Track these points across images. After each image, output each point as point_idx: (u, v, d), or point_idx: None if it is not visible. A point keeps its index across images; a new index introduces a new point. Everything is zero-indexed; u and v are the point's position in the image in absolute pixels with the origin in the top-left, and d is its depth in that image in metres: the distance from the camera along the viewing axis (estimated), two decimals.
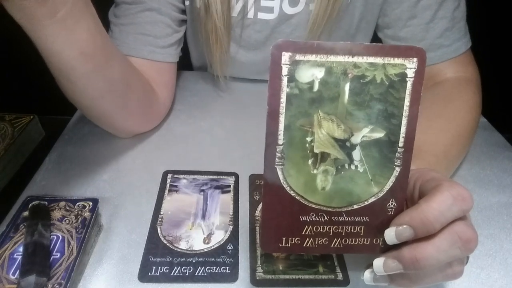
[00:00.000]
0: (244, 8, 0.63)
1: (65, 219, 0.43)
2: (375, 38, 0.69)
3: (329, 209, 0.34)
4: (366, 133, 0.32)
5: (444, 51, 0.60)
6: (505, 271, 0.43)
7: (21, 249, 0.39)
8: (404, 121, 0.32)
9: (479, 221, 0.49)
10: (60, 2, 0.37)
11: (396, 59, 0.31)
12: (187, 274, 0.41)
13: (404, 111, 0.32)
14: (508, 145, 0.62)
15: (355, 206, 0.34)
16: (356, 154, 0.33)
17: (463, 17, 0.61)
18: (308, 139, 0.32)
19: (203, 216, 0.48)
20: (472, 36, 0.63)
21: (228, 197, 0.51)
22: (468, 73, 0.61)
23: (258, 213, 0.48)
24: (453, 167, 0.52)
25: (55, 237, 0.41)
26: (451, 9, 0.59)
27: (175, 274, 0.41)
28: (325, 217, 0.34)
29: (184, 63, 0.75)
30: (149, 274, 0.41)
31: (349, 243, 0.35)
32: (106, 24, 0.54)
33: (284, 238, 0.34)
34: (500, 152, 0.61)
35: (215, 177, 0.53)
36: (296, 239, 0.34)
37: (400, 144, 0.33)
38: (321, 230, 0.34)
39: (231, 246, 0.44)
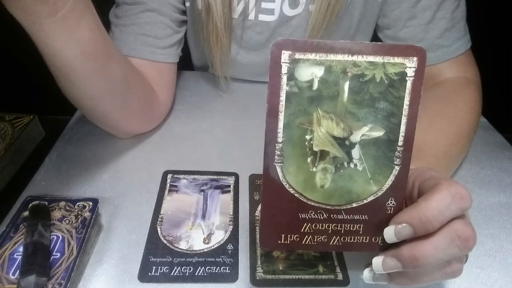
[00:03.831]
0: (245, 10, 0.63)
1: (65, 219, 0.43)
2: (375, 38, 0.69)
3: (328, 207, 0.34)
4: (365, 131, 0.32)
5: (444, 52, 0.60)
6: (505, 271, 0.43)
7: (21, 249, 0.39)
8: (403, 120, 0.32)
9: (479, 221, 0.49)
10: (61, 1, 0.37)
11: (396, 58, 0.31)
12: (187, 274, 0.41)
13: (403, 110, 0.32)
14: (508, 145, 0.62)
15: (354, 205, 0.34)
16: (355, 152, 0.33)
17: (463, 17, 0.61)
18: (308, 137, 0.32)
19: (203, 216, 0.48)
20: (472, 36, 0.63)
21: (228, 197, 0.51)
22: (468, 73, 0.61)
23: (258, 213, 0.48)
24: (453, 167, 0.52)
25: (55, 237, 0.41)
26: (451, 9, 0.59)
27: (175, 274, 0.41)
28: (324, 215, 0.34)
29: (185, 63, 0.75)
30: (149, 274, 0.41)
31: (348, 241, 0.35)
32: (107, 24, 0.54)
33: (283, 235, 0.34)
34: (500, 152, 0.61)
35: (215, 177, 0.53)
36: (295, 236, 0.34)
37: (400, 143, 0.33)
38: (320, 227, 0.34)
39: (231, 246, 0.44)
